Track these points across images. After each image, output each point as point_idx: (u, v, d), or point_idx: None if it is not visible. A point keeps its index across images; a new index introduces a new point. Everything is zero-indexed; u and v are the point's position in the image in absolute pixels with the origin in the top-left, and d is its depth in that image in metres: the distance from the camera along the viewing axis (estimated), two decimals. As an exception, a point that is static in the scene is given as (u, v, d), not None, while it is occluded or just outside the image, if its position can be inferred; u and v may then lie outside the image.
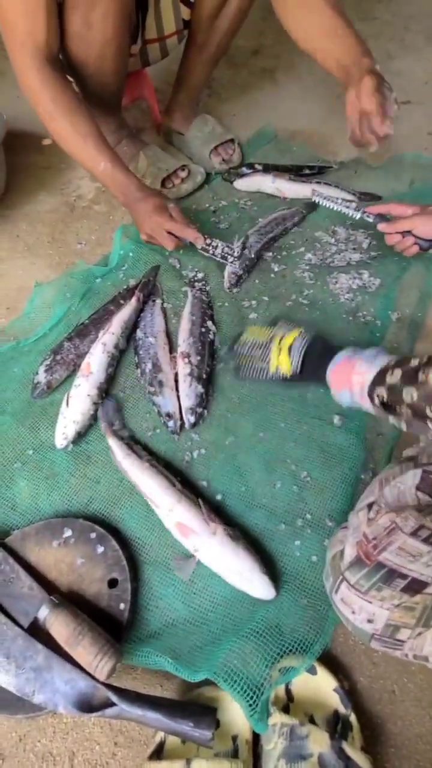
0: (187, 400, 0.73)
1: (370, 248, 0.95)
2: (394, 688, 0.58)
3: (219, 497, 0.67)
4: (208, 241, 0.86)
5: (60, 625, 0.49)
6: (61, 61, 0.83)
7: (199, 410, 0.73)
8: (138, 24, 0.90)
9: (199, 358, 0.77)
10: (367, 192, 1.04)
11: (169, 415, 0.72)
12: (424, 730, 0.55)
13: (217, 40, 0.97)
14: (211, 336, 0.81)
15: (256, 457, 0.70)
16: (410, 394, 0.53)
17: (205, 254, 0.88)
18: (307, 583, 0.60)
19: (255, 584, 0.57)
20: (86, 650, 0.48)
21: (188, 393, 0.74)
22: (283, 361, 0.67)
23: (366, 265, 0.92)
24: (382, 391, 0.57)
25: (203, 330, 0.81)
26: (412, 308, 0.87)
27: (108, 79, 0.89)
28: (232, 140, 1.11)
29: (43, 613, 0.51)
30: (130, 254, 0.94)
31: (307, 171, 1.08)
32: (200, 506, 0.61)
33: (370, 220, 0.86)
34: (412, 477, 0.55)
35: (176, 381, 0.76)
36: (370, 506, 0.54)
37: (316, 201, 0.93)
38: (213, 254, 0.87)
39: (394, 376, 0.56)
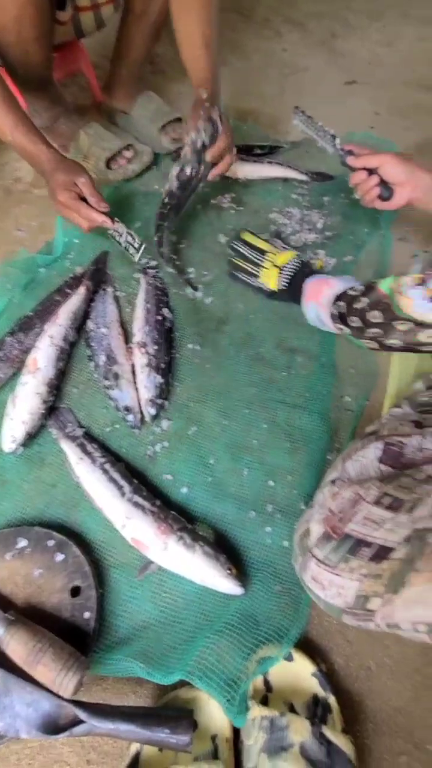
0: (146, 391, 0.70)
1: (325, 228, 0.94)
2: (370, 664, 0.58)
3: (184, 490, 0.64)
4: (115, 226, 0.79)
5: (17, 644, 0.45)
6: None
7: (159, 401, 0.69)
8: (65, -12, 0.83)
9: (156, 347, 0.74)
10: (319, 172, 1.03)
11: (127, 409, 0.68)
12: (401, 702, 0.56)
13: (157, 8, 0.91)
14: (168, 324, 0.78)
15: (221, 446, 0.67)
16: (361, 303, 0.63)
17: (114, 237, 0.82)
18: (280, 569, 0.59)
19: (219, 587, 0.55)
20: (47, 667, 0.44)
21: (147, 384, 0.70)
22: (272, 276, 0.77)
23: (322, 246, 0.91)
24: (342, 305, 0.67)
25: (159, 318, 0.77)
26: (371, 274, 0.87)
27: (31, 47, 0.81)
28: (179, 119, 1.07)
29: (-3, 633, 0.46)
30: (76, 240, 0.88)
31: (258, 151, 1.06)
32: (153, 514, 0.58)
33: (340, 152, 0.83)
34: (373, 450, 0.55)
35: (133, 373, 0.72)
36: (333, 482, 0.54)
37: (297, 124, 0.89)
38: (118, 241, 0.82)
39: (356, 291, 0.66)
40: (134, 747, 0.50)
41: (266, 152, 1.07)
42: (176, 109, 1.08)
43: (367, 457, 0.55)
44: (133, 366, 0.73)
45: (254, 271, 0.79)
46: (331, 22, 1.50)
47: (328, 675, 0.55)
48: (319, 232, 0.93)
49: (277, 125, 1.18)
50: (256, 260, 0.80)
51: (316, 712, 0.52)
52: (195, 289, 0.84)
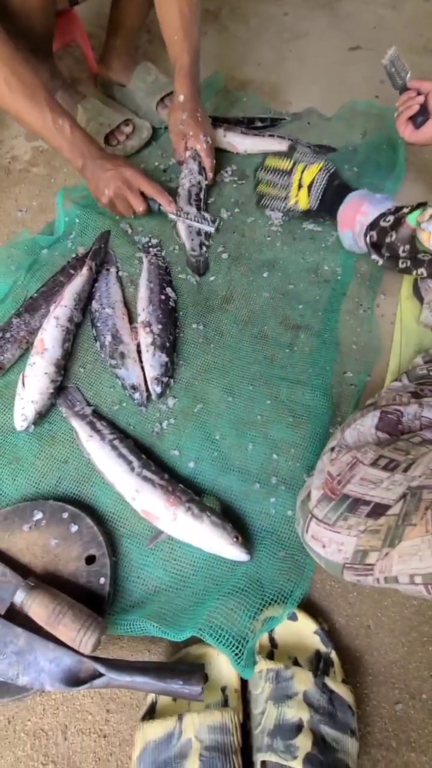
0: (152, 370, 0.71)
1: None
2: (369, 623, 0.62)
3: (191, 465, 0.66)
4: (179, 208, 0.82)
5: (38, 607, 0.48)
6: None
7: (165, 380, 0.71)
8: None
9: (160, 326, 0.75)
10: (321, 144, 1.01)
11: (134, 387, 0.70)
12: (398, 656, 0.60)
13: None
14: (171, 303, 0.79)
15: (226, 422, 0.69)
16: (391, 236, 0.66)
17: (176, 220, 0.83)
18: (283, 536, 0.62)
19: (226, 554, 0.58)
20: (68, 627, 0.47)
21: (152, 363, 0.71)
22: (302, 196, 0.77)
23: (323, 225, 0.91)
24: (373, 233, 0.69)
25: (163, 297, 0.78)
26: (370, 263, 0.87)
27: (35, 17, 0.79)
28: (178, 91, 1.04)
29: (20, 597, 0.49)
30: (77, 220, 0.87)
31: (259, 123, 1.04)
32: (161, 488, 0.60)
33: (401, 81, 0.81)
34: (371, 418, 0.57)
35: (138, 352, 0.74)
36: (332, 450, 0.55)
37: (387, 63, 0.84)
38: (186, 219, 0.83)
39: (387, 221, 0.68)
40: (150, 697, 0.54)
41: (267, 125, 1.04)
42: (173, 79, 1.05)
43: (365, 425, 0.57)
44: (138, 345, 0.74)
45: (283, 195, 0.79)
46: (333, -18, 1.43)
47: (330, 633, 0.59)
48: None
49: (278, 95, 1.15)
50: (282, 184, 0.80)
51: (319, 665, 0.56)
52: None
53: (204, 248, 0.85)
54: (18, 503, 0.60)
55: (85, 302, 0.78)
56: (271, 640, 0.57)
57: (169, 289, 0.80)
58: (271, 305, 0.81)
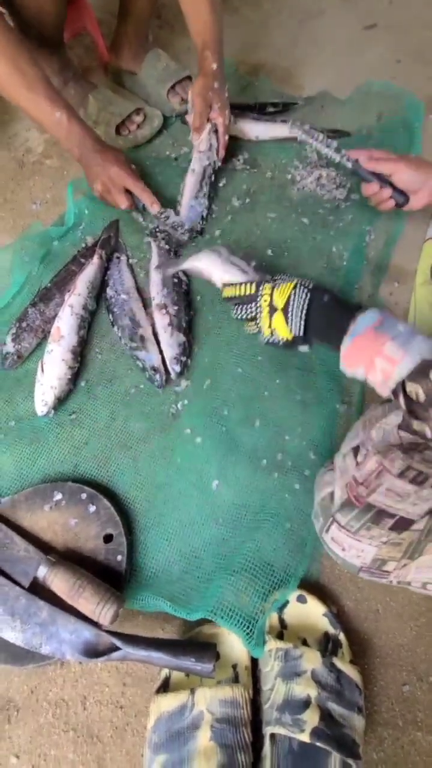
0: (170, 350, 0.73)
1: (340, 185, 0.92)
2: (378, 607, 0.63)
3: (198, 440, 0.68)
4: (161, 210, 0.83)
5: (60, 581, 0.51)
6: None
7: (183, 359, 0.72)
8: None
9: (176, 307, 0.76)
10: (334, 129, 0.99)
11: (154, 369, 0.72)
12: (405, 640, 0.61)
13: (162, -43, 0.87)
14: (184, 287, 0.79)
15: (234, 399, 0.71)
16: None
17: (156, 220, 0.85)
18: (290, 508, 0.63)
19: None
20: (88, 600, 0.49)
21: (170, 343, 0.73)
22: (278, 322, 0.56)
23: (337, 209, 0.90)
24: (417, 388, 0.46)
25: (176, 281, 0.79)
26: (378, 252, 0.86)
27: (46, 6, 0.79)
28: (189, 77, 1.03)
29: (42, 571, 0.52)
30: (86, 211, 0.89)
31: (271, 109, 1.02)
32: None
33: (349, 165, 0.78)
34: (394, 417, 0.54)
35: (155, 335, 0.75)
36: (356, 450, 0.54)
37: (297, 137, 0.84)
38: (165, 224, 0.84)
39: None
40: (164, 672, 0.56)
41: (279, 110, 1.03)
42: (185, 66, 1.04)
43: (390, 424, 0.53)
44: (153, 328, 0.75)
45: (255, 327, 0.59)
46: (349, -42, 1.38)
47: (339, 616, 0.60)
48: (335, 192, 0.92)
49: (291, 79, 1.13)
50: (251, 313, 0.59)
51: (327, 646, 0.58)
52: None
53: (188, 237, 0.85)
54: (39, 485, 0.62)
55: (98, 290, 0.79)
56: (281, 621, 0.59)
57: (181, 273, 0.80)
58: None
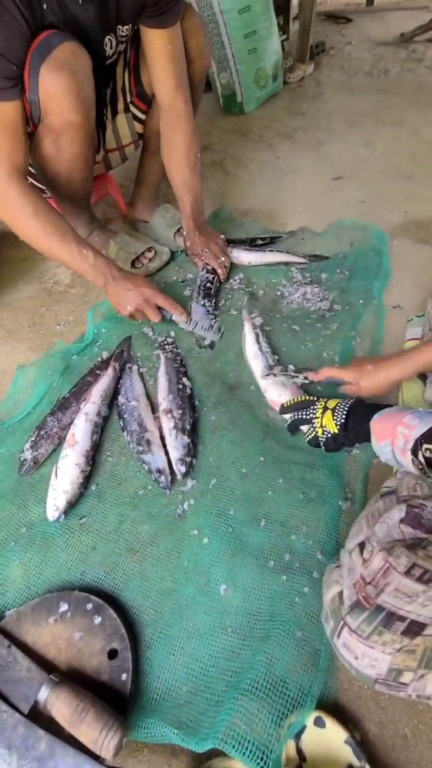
0: (176, 452, 0.77)
1: (323, 299, 1.06)
2: (405, 732, 0.57)
3: (205, 541, 0.68)
4: (188, 318, 0.99)
5: (62, 704, 0.49)
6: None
7: (188, 459, 0.76)
8: (99, 138, 1.06)
9: (180, 411, 0.82)
10: (315, 254, 1.18)
11: (159, 471, 0.75)
12: (441, 772, 0.54)
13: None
14: (188, 391, 0.87)
15: (239, 499, 0.73)
16: None
17: (185, 329, 0.99)
18: (300, 614, 0.61)
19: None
20: (90, 727, 0.47)
21: (176, 445, 0.78)
22: (327, 421, 0.72)
23: (323, 318, 1.02)
24: (431, 448, 0.55)
25: (180, 387, 0.87)
26: (366, 353, 0.96)
27: (77, 186, 1.02)
28: (192, 223, 1.26)
29: (44, 694, 0.50)
30: (104, 330, 1.02)
31: (260, 241, 1.23)
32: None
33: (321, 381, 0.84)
34: (397, 512, 0.57)
35: (161, 438, 0.81)
36: (361, 546, 0.56)
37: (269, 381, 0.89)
38: (193, 330, 0.99)
39: None
40: None
41: (267, 242, 1.23)
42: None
43: (393, 519, 0.56)
44: (161, 431, 0.81)
45: (309, 418, 0.75)
46: (316, 132, 1.76)
47: (362, 743, 0.55)
48: (320, 304, 1.05)
49: (275, 219, 1.36)
50: (309, 415, 0.76)
51: (352, 783, 0.52)
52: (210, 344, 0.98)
53: (216, 334, 1.00)
54: (45, 594, 0.62)
55: (111, 398, 0.88)
56: (299, 751, 0.54)
57: (185, 379, 0.89)
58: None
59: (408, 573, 0.50)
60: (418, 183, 1.44)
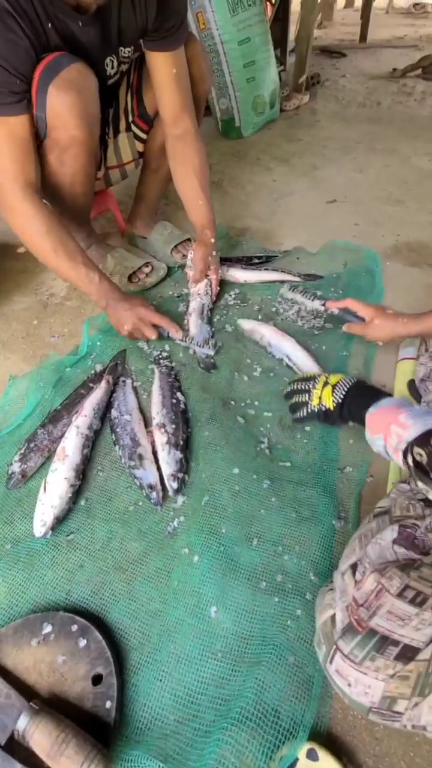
0: (168, 467, 0.76)
1: (317, 316, 1.07)
2: (402, 765, 0.55)
3: (196, 559, 0.67)
4: (184, 334, 1.00)
5: (41, 735, 0.46)
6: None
7: (181, 475, 0.75)
8: (101, 155, 1.08)
9: (174, 426, 0.81)
10: (309, 273, 1.20)
11: (151, 487, 0.74)
12: (439, 810, 0.52)
13: (167, 166, 1.16)
14: (182, 406, 0.87)
15: (231, 517, 0.71)
16: None
17: (181, 344, 1.00)
18: (293, 639, 0.59)
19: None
20: (71, 760, 0.44)
21: (168, 460, 0.76)
22: (326, 395, 0.74)
23: (315, 336, 1.03)
24: (422, 452, 0.54)
25: (174, 401, 0.86)
26: (359, 371, 0.96)
27: (78, 200, 1.03)
28: (189, 239, 1.28)
29: (23, 723, 0.47)
30: (98, 343, 1.02)
31: (256, 260, 1.24)
32: None
33: (336, 312, 0.98)
34: (390, 533, 0.56)
35: (154, 453, 0.79)
36: (354, 567, 0.55)
37: (288, 297, 1.09)
38: (189, 344, 1.00)
39: None
40: None
41: (263, 261, 1.25)
42: (185, 231, 1.30)
43: (385, 540, 0.56)
44: (153, 446, 0.80)
45: (307, 399, 0.76)
46: (311, 157, 1.82)
47: (357, 778, 0.53)
48: (313, 322, 1.06)
49: (271, 238, 1.39)
50: (307, 387, 0.77)
51: None
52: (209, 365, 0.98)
53: (211, 350, 1.00)
54: (29, 614, 0.60)
55: (103, 411, 0.86)
56: (291, 786, 0.51)
57: (179, 394, 0.89)
58: (269, 407, 0.88)
59: (401, 595, 0.49)
60: (410, 208, 1.48)
